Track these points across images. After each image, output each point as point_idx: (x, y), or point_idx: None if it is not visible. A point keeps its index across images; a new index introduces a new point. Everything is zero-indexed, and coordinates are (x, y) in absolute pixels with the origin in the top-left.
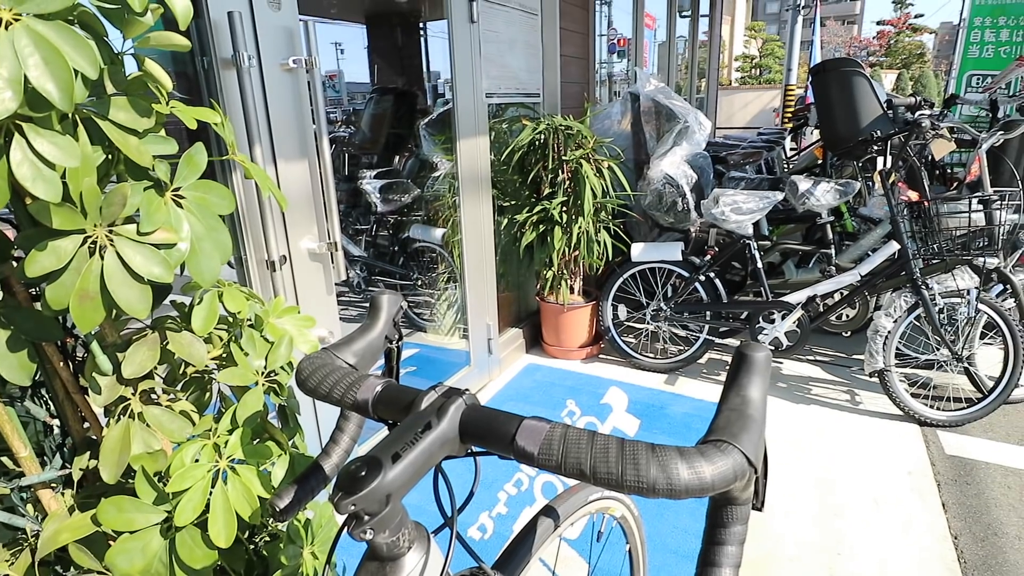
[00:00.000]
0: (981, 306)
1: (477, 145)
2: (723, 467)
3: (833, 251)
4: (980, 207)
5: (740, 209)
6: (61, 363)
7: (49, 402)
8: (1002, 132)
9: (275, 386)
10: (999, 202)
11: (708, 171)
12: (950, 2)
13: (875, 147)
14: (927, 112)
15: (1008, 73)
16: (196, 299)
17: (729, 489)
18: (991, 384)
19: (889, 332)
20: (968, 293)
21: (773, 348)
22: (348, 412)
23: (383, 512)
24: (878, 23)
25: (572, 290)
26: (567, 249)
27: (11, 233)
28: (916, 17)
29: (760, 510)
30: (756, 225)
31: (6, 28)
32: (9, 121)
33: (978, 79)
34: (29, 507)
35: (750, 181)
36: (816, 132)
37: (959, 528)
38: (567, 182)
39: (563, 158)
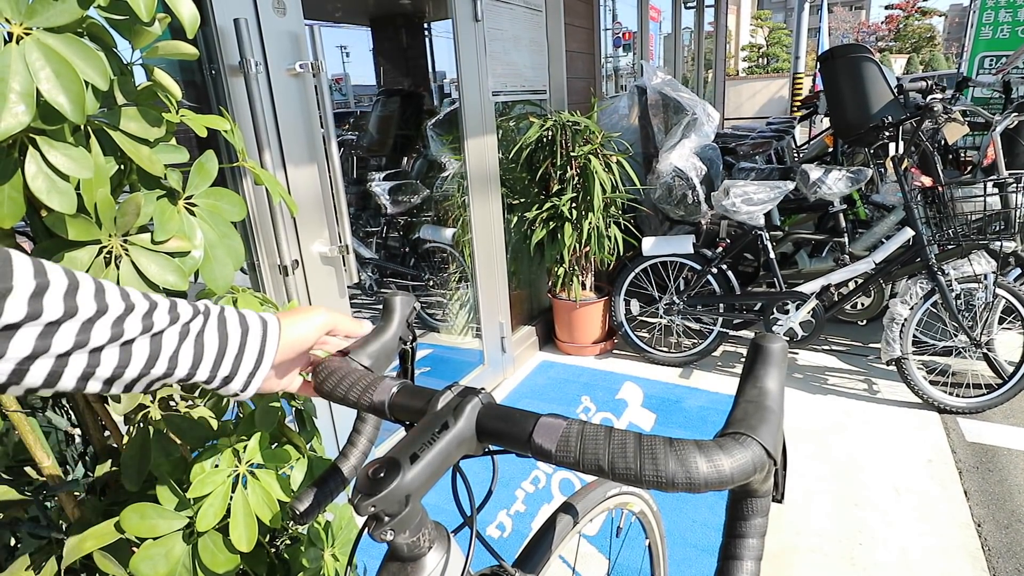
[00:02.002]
0: (999, 291)
1: (485, 144)
2: (742, 459)
3: (846, 239)
4: (995, 190)
5: (751, 200)
6: None
7: (70, 412)
8: (1016, 114)
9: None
10: (1015, 185)
11: (717, 163)
12: None
13: (886, 133)
14: (939, 96)
15: (1022, 53)
16: None
17: (749, 482)
18: (1011, 369)
19: (905, 320)
20: (985, 278)
21: (788, 339)
22: (364, 414)
23: (403, 513)
24: (886, 7)
25: (584, 286)
26: (578, 245)
27: (28, 245)
28: (925, 0)
29: (780, 502)
30: (767, 215)
31: (17, 42)
32: (23, 135)
33: (991, 60)
34: (53, 516)
35: (760, 171)
36: (826, 120)
37: (982, 515)
38: (576, 178)
39: (571, 154)
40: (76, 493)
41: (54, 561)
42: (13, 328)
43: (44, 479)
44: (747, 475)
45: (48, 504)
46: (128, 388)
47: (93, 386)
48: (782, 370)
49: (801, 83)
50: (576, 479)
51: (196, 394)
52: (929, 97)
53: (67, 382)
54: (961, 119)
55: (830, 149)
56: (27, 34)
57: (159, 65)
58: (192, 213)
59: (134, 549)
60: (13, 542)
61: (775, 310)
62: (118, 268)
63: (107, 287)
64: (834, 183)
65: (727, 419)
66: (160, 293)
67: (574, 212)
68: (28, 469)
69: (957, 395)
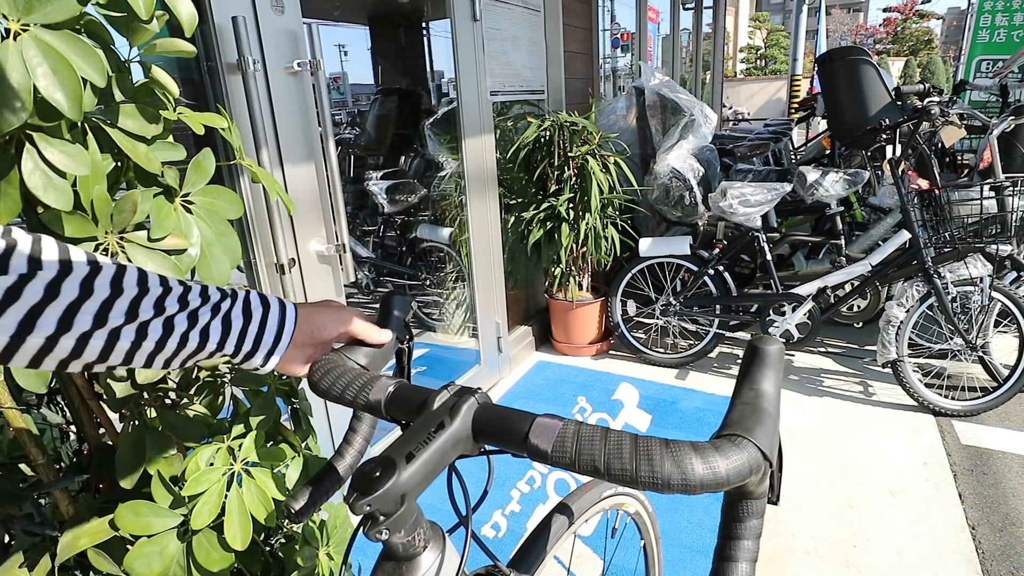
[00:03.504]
0: (995, 294)
1: (482, 144)
2: (738, 461)
3: (843, 242)
4: (992, 194)
5: (748, 201)
6: None
7: (65, 409)
8: (1013, 117)
9: (287, 388)
10: (1011, 188)
11: (715, 164)
12: None
13: (884, 135)
14: (936, 99)
15: (1019, 57)
16: None
17: (744, 483)
18: (1006, 372)
19: (901, 322)
20: (981, 281)
21: (784, 340)
22: (361, 413)
23: (398, 512)
24: (884, 10)
25: (581, 287)
26: (575, 246)
27: None
28: (923, 3)
29: (776, 504)
30: (764, 217)
31: (14, 39)
32: (19, 131)
33: (988, 64)
34: (47, 513)
35: (757, 173)
36: (824, 122)
37: (976, 518)
38: (573, 178)
39: (569, 154)
40: (70, 490)
41: (48, 559)
42: (80, 301)
43: (38, 476)
44: (743, 477)
45: (43, 501)
46: (167, 363)
47: (139, 359)
48: (778, 372)
49: (799, 85)
50: (572, 479)
51: (192, 392)
52: (926, 100)
53: (117, 356)
54: (958, 122)
55: (827, 151)
56: (24, 30)
57: (157, 62)
58: (189, 211)
59: (128, 547)
60: (7, 539)
61: (771, 312)
62: None
63: (148, 273)
64: (831, 185)
65: (723, 421)
66: None
67: (571, 212)
68: (22, 466)
69: (952, 398)
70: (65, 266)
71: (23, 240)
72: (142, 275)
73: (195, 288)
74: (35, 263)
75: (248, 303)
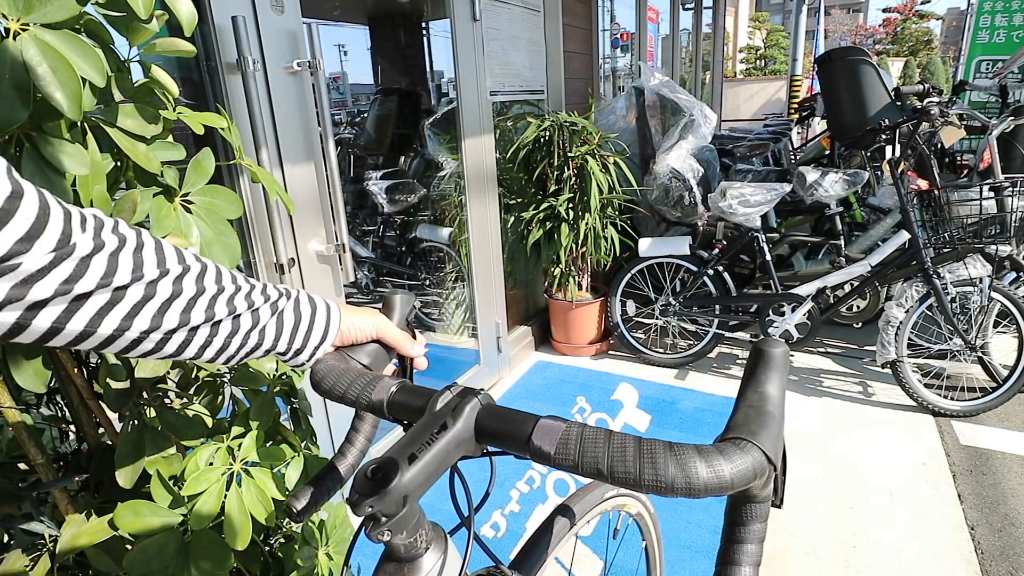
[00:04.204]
0: (994, 294)
1: (482, 144)
2: (742, 465)
3: (842, 242)
4: (991, 194)
5: (747, 202)
6: (75, 369)
7: (64, 408)
8: (1012, 118)
9: (287, 388)
10: (1011, 189)
11: (715, 164)
12: None
13: (883, 136)
14: (936, 99)
15: (1018, 58)
16: None
17: (748, 487)
18: (1006, 373)
19: (901, 322)
20: (980, 281)
21: (783, 340)
22: (363, 413)
23: (400, 513)
24: (884, 11)
25: (580, 287)
26: (574, 246)
27: None
28: (923, 3)
29: (780, 507)
30: (764, 217)
31: (14, 38)
32: (19, 131)
33: (987, 64)
34: (47, 512)
35: (757, 173)
36: (823, 122)
37: (975, 519)
38: (573, 179)
39: (568, 154)
40: (70, 490)
41: (47, 558)
42: (173, 299)
43: (38, 475)
44: (747, 481)
45: (43, 501)
46: (229, 359)
47: (208, 354)
48: (784, 375)
49: (799, 85)
50: (571, 479)
51: (192, 391)
52: (926, 100)
53: (190, 351)
54: (958, 123)
55: (827, 151)
56: (24, 30)
57: (156, 62)
58: (188, 210)
59: (128, 547)
60: (6, 539)
61: (771, 312)
62: None
63: (222, 269)
64: (831, 185)
65: (727, 424)
66: None
67: (571, 212)
68: (21, 465)
69: (952, 398)
70: (163, 267)
71: (131, 237)
72: (219, 273)
73: (258, 286)
74: (139, 264)
75: (298, 303)
